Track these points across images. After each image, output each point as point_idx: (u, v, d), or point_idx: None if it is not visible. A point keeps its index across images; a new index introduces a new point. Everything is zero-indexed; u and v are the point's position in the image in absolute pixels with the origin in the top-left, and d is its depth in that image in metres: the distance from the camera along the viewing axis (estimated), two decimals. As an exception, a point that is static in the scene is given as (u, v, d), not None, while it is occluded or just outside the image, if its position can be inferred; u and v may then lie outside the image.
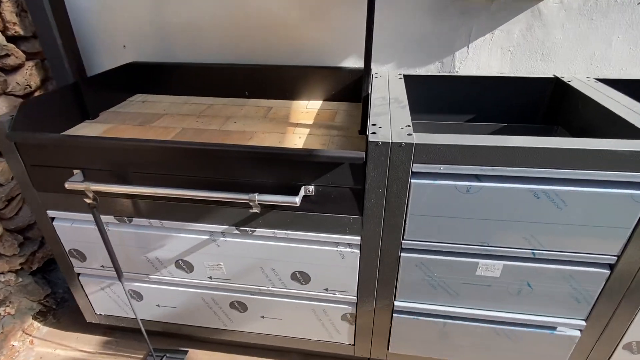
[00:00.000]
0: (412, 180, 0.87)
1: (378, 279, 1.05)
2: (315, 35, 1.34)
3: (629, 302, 0.95)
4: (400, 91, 1.13)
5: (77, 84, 1.18)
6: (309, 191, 0.92)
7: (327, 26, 1.32)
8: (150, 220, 1.06)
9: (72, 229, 1.12)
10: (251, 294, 1.16)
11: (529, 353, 1.08)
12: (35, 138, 0.96)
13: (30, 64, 1.41)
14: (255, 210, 0.91)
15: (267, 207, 0.97)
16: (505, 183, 0.84)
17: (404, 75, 1.29)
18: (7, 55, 1.33)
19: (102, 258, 1.16)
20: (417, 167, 0.85)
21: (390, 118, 0.93)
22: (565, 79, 1.20)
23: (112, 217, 1.07)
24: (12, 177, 1.37)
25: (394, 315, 1.10)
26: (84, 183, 0.94)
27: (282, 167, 0.91)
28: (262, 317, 1.20)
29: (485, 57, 1.31)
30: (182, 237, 1.07)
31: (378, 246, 0.98)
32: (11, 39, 1.35)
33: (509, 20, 1.24)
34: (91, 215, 1.02)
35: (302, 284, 1.10)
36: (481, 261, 0.96)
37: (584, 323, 1.00)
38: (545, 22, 1.23)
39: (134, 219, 1.06)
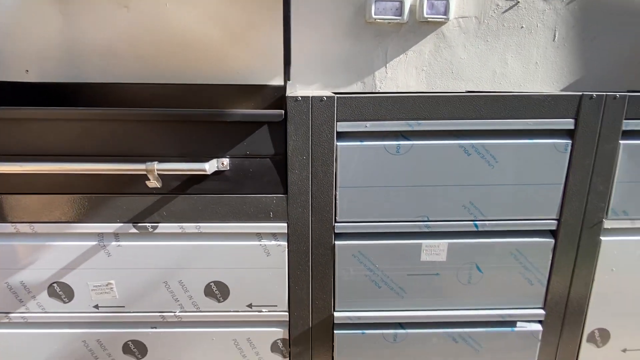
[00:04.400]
0: (338, 143, 0.79)
1: (312, 282, 0.87)
2: (239, 55, 1.33)
3: (580, 279, 0.87)
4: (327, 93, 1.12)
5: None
6: (222, 164, 0.79)
7: (250, 47, 1.33)
8: (17, 224, 0.82)
9: None
10: (152, 327, 0.90)
11: (493, 364, 0.92)
12: None
13: None
14: (155, 184, 0.75)
15: (172, 192, 0.81)
16: (434, 139, 0.79)
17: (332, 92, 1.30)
18: None
19: (-59, 292, 0.85)
20: (341, 126, 0.78)
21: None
22: (477, 90, 1.29)
23: (-37, 224, 0.82)
24: None
25: (335, 332, 0.90)
26: None
27: (188, 135, 0.78)
28: (168, 362, 0.92)
29: (403, 76, 1.38)
30: (60, 247, 0.83)
31: (308, 233, 0.84)
32: None
33: (418, 42, 1.35)
34: None
35: (219, 300, 0.88)
36: (424, 241, 0.85)
37: (542, 312, 0.89)
38: (450, 43, 1.36)
39: (-6, 224, 0.82)
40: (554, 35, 1.36)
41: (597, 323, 0.91)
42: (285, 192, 0.82)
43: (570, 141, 0.80)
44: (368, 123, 0.78)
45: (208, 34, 1.31)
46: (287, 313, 0.89)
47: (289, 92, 0.94)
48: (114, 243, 0.84)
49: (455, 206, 0.83)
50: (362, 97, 0.76)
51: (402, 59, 1.37)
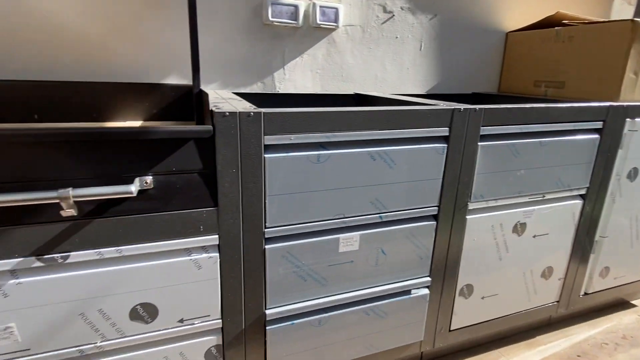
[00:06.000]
0: (265, 155, 0.83)
1: (244, 287, 0.91)
2: (126, 51, 1.21)
3: (453, 250, 1.12)
4: (236, 97, 1.12)
5: None
6: (146, 183, 0.76)
7: (139, 41, 1.22)
8: None
9: None
10: (68, 364, 0.82)
11: (396, 326, 1.12)
12: None
13: None
14: (72, 212, 0.68)
15: (86, 217, 0.74)
16: (348, 149, 0.91)
17: (234, 93, 1.30)
18: None
19: None
20: (269, 140, 0.83)
21: (232, 105, 0.90)
22: (363, 93, 1.46)
23: None
24: None
25: (267, 328, 0.97)
26: None
27: (105, 156, 0.72)
28: (89, 396, 0.85)
29: (300, 78, 1.46)
30: None
31: (239, 243, 0.87)
32: None
33: (312, 46, 1.45)
34: None
35: (146, 322, 0.85)
36: (341, 235, 0.97)
37: (429, 278, 1.12)
38: (339, 49, 1.49)
39: None
40: (421, 45, 1.62)
41: (465, 281, 1.18)
42: (216, 205, 0.83)
43: (446, 145, 1.01)
44: (292, 136, 0.84)
45: (87, 26, 1.16)
46: (220, 320, 0.92)
47: (213, 102, 0.92)
48: (12, 281, 0.72)
49: (364, 203, 0.97)
50: (287, 112, 0.82)
51: (298, 62, 1.45)
